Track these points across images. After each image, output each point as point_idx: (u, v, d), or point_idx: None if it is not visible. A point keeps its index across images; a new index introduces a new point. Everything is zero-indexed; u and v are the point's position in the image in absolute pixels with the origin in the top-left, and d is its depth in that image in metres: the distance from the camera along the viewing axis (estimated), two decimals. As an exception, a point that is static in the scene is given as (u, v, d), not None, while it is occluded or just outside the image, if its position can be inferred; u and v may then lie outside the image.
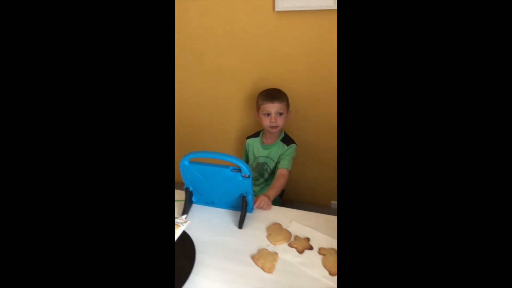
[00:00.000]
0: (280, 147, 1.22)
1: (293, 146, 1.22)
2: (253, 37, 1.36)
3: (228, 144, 1.67)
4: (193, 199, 0.92)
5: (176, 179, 1.23)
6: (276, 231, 0.82)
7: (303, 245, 0.77)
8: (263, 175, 1.29)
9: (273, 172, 1.25)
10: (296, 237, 0.80)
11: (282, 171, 1.15)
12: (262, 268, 0.71)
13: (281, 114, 1.17)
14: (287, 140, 1.24)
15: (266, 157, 1.26)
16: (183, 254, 0.71)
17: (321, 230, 0.82)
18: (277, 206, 0.94)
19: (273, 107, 1.16)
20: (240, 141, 1.63)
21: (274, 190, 1.04)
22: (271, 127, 1.18)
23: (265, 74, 1.42)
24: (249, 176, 0.78)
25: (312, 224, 0.85)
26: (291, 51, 1.33)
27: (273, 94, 1.18)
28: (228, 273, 0.70)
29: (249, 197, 0.83)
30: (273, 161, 1.25)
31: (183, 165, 0.81)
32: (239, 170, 0.78)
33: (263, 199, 0.92)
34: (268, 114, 1.17)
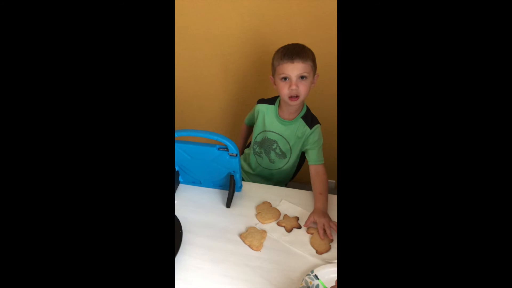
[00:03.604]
0: (300, 127, 0.95)
1: (317, 128, 0.95)
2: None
3: (212, 124, 1.61)
4: (180, 178, 0.92)
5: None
6: (265, 209, 0.84)
7: (291, 224, 0.79)
8: (269, 154, 1.03)
9: (283, 155, 1.01)
10: (285, 216, 0.82)
11: (320, 169, 0.92)
12: (250, 246, 0.73)
13: (303, 77, 0.86)
14: (309, 118, 0.95)
15: (279, 134, 0.98)
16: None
17: (311, 209, 0.84)
18: (267, 185, 0.95)
19: (293, 69, 0.85)
20: (226, 121, 1.59)
21: (324, 196, 0.86)
22: (291, 97, 0.87)
23: (254, 46, 1.34)
24: (236, 155, 0.79)
25: (301, 203, 0.87)
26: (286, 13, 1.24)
27: (294, 50, 0.86)
28: (215, 252, 0.72)
29: (237, 176, 0.84)
30: (288, 143, 0.98)
31: (168, 144, 0.81)
32: (226, 148, 0.78)
33: (325, 222, 0.76)
34: (286, 79, 0.87)
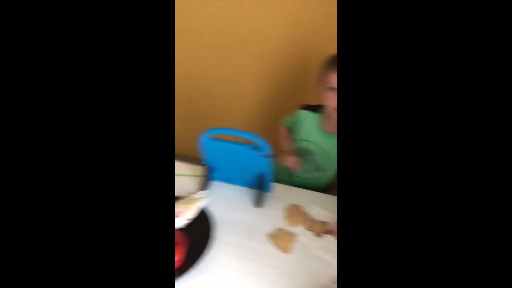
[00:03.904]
0: None
1: None
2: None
3: (241, 122, 1.59)
4: (212, 175, 0.94)
5: (193, 154, 1.22)
6: (294, 212, 0.83)
7: (320, 229, 0.78)
8: (304, 164, 0.98)
9: (318, 168, 0.97)
10: (314, 221, 0.81)
11: None
12: (278, 248, 0.73)
13: None
14: None
15: (319, 146, 0.92)
16: (200, 230, 0.74)
17: (341, 214, 0.82)
18: (297, 188, 0.94)
19: None
20: (255, 118, 1.56)
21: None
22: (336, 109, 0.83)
23: (289, 38, 1.28)
24: (268, 155, 0.79)
25: (331, 208, 0.85)
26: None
27: None
28: (244, 250, 0.73)
29: (268, 176, 0.84)
30: (327, 157, 0.93)
31: (203, 141, 0.84)
32: (258, 148, 0.79)
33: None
34: (334, 89, 0.80)
